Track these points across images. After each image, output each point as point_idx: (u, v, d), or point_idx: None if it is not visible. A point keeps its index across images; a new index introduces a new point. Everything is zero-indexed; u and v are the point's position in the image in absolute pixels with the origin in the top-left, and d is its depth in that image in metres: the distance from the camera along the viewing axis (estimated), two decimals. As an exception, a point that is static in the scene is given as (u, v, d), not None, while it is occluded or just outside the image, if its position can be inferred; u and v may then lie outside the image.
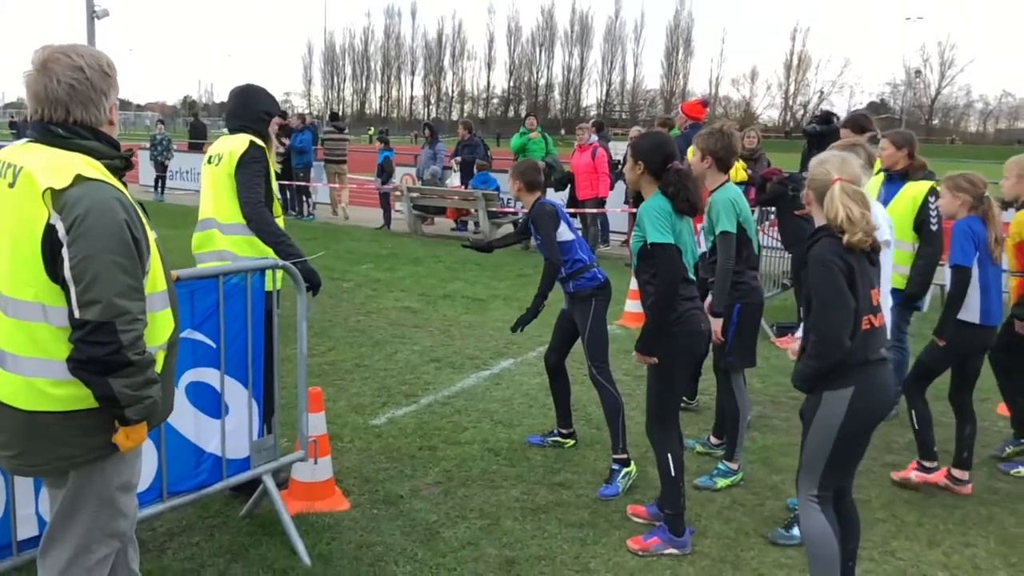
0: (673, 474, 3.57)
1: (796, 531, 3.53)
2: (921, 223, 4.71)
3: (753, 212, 5.98)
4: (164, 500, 3.12)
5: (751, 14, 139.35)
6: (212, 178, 3.84)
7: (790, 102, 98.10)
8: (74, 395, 2.22)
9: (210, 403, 3.26)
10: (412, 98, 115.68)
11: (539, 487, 4.19)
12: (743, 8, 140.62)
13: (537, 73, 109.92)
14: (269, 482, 3.51)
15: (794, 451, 4.71)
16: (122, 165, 2.36)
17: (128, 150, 2.42)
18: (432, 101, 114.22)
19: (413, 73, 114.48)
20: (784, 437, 4.98)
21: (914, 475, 4.28)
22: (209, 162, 3.89)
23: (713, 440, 4.73)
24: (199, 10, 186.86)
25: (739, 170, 7.32)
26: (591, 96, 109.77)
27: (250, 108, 3.89)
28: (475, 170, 13.87)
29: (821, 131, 6.74)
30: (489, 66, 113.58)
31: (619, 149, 15.55)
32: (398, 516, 3.82)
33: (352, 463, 4.38)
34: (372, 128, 75.64)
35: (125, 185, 2.36)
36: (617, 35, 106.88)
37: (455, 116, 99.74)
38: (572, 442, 4.75)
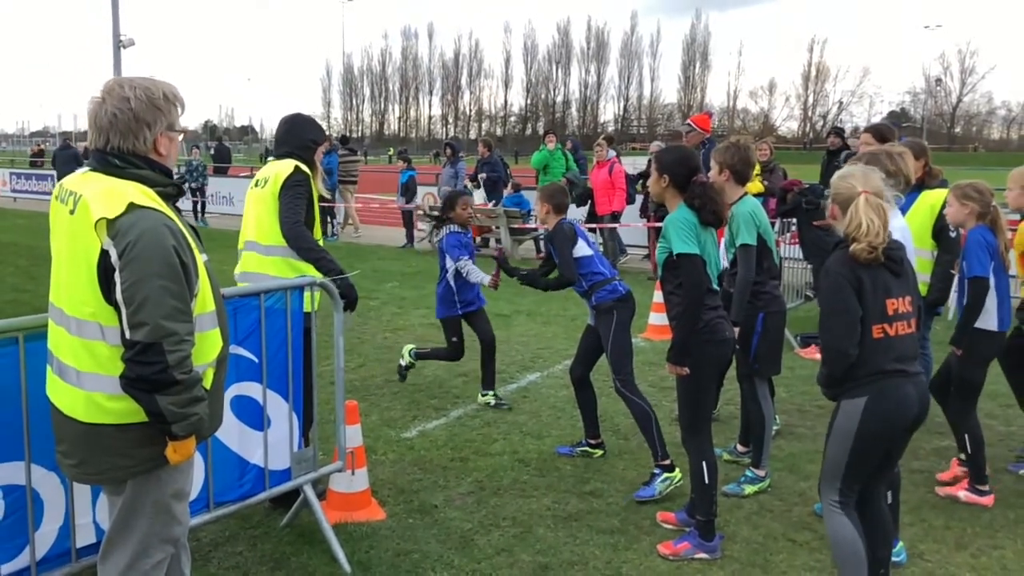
0: (707, 481, 3.65)
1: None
2: (940, 230, 4.76)
3: (773, 224, 6.06)
4: (210, 510, 3.25)
5: (768, 26, 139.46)
6: (256, 200, 4.00)
7: (809, 113, 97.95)
8: (128, 409, 2.36)
9: (253, 416, 3.40)
10: (430, 118, 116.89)
11: (569, 496, 4.27)
12: (760, 20, 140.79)
13: (554, 90, 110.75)
14: (309, 492, 3.64)
15: (820, 458, 4.77)
16: (174, 192, 2.50)
17: (180, 177, 2.57)
18: (450, 120, 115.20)
19: (431, 93, 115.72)
20: (810, 444, 5.03)
21: (963, 495, 4.24)
22: (256, 185, 4.04)
23: (740, 448, 4.79)
24: (219, 35, 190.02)
25: (756, 182, 7.41)
26: (608, 112, 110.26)
27: (297, 136, 4.07)
28: (507, 190, 14.02)
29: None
30: (506, 84, 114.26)
31: (639, 163, 15.67)
32: (433, 525, 3.93)
33: (386, 475, 4.49)
34: (392, 149, 76.32)
35: (178, 211, 2.51)
36: (633, 50, 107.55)
37: (473, 135, 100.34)
38: (600, 452, 4.83)
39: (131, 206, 2.30)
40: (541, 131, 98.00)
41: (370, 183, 21.42)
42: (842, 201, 3.04)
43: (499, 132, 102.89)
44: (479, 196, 14.52)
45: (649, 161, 10.57)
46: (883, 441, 2.99)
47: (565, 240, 4.65)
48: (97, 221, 2.26)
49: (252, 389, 3.37)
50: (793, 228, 9.01)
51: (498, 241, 13.92)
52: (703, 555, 3.62)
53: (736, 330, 4.20)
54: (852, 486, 3.03)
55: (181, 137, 2.57)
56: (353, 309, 3.94)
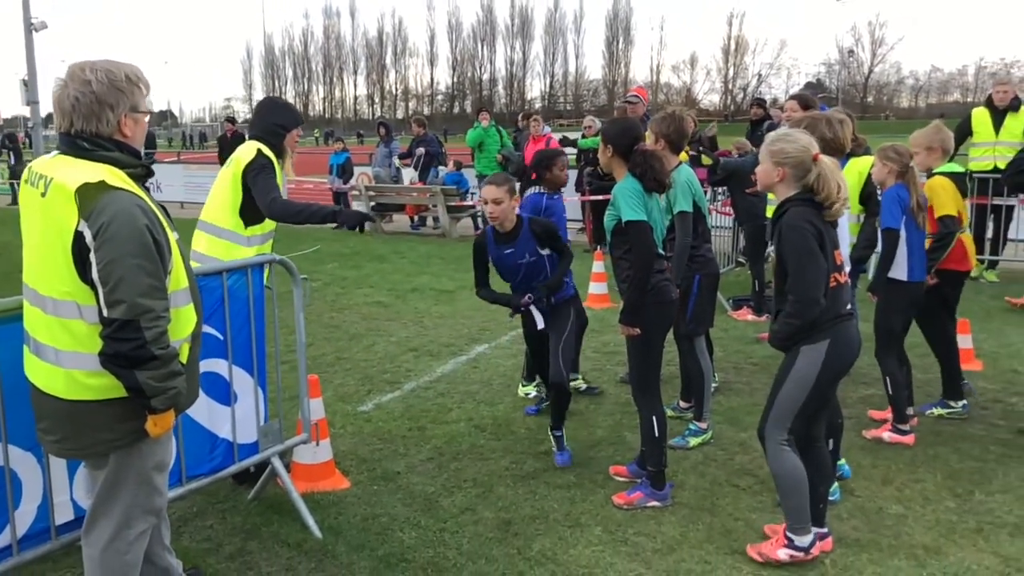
0: (657, 434, 3.88)
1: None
2: (868, 196, 5.10)
3: (705, 192, 6.33)
4: (183, 484, 3.33)
5: (688, 1, 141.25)
6: (218, 179, 4.07)
7: (730, 86, 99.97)
8: (108, 385, 2.43)
9: (220, 391, 3.47)
10: (356, 98, 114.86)
11: (526, 457, 4.47)
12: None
13: (480, 68, 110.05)
14: (277, 463, 3.74)
15: (758, 410, 5.04)
16: (143, 173, 2.56)
17: (150, 159, 2.62)
18: (376, 100, 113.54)
19: (355, 72, 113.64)
20: (747, 399, 5.35)
21: (887, 435, 4.60)
22: (224, 165, 4.10)
23: (682, 404, 5.06)
24: (134, 18, 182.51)
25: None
26: (535, 89, 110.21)
27: (265, 120, 4.14)
28: (448, 167, 14.05)
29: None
30: (432, 63, 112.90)
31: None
32: (397, 490, 4.07)
33: (347, 446, 4.61)
34: (317, 130, 74.98)
35: (147, 191, 2.57)
36: (557, 27, 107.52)
37: (400, 114, 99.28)
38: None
39: (103, 187, 2.35)
40: (469, 109, 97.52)
41: (298, 165, 21.05)
42: (796, 164, 3.19)
43: (427, 111, 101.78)
44: (409, 175, 14.54)
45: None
46: (837, 379, 3.29)
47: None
48: (73, 199, 2.31)
49: (219, 365, 3.44)
50: (721, 197, 9.38)
51: (436, 220, 13.99)
52: (655, 503, 3.87)
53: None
54: (799, 425, 3.30)
55: (147, 119, 2.62)
56: (361, 228, 4.17)
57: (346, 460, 4.41)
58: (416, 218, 14.40)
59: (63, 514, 2.92)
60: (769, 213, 5.70)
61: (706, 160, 7.00)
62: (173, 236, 2.55)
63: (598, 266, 8.43)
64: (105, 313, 2.32)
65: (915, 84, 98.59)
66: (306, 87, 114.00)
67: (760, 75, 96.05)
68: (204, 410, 3.39)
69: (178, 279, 2.54)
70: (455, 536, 3.62)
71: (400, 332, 7.19)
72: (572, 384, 5.35)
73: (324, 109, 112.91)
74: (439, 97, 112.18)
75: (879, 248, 4.67)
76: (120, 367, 2.34)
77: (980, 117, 8.88)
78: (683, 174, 4.56)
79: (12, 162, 22.36)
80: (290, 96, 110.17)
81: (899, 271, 4.58)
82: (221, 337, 3.45)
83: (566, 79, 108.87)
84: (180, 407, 2.56)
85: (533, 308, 4.43)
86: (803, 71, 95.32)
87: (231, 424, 3.52)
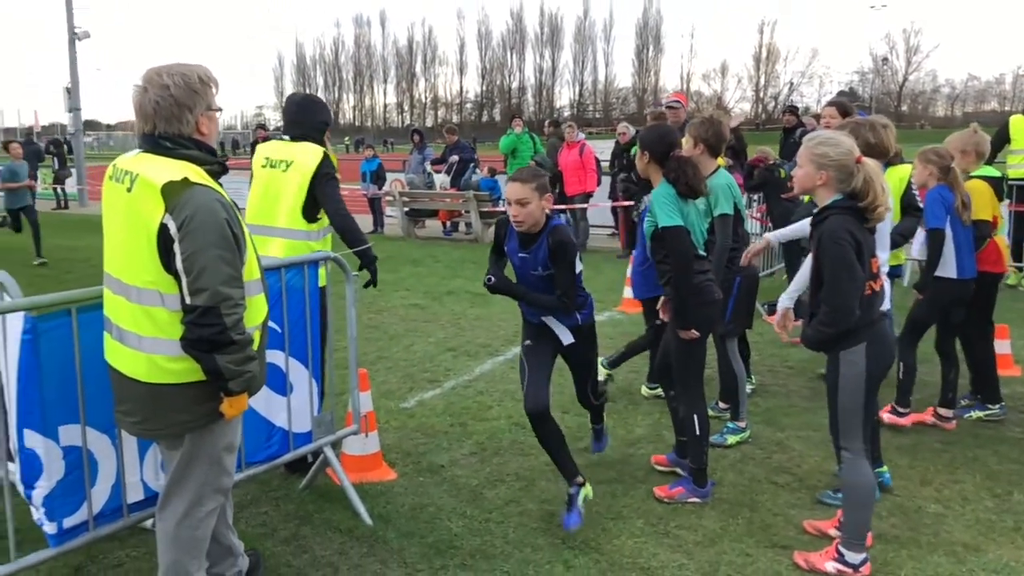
0: (699, 432, 3.96)
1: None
2: (908, 204, 5.13)
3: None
4: (242, 470, 3.47)
5: (719, 9, 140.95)
6: (279, 183, 4.08)
7: (761, 94, 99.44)
8: (187, 369, 2.58)
9: (277, 381, 3.62)
10: (386, 106, 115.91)
11: (567, 453, 4.56)
12: (710, 3, 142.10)
13: (509, 76, 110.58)
14: (329, 452, 3.88)
15: (794, 411, 5.17)
16: (219, 169, 2.71)
17: (225, 156, 2.77)
18: (405, 108, 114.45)
19: (385, 81, 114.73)
20: (784, 400, 5.41)
21: (886, 417, 4.79)
22: (271, 166, 4.13)
23: (721, 405, 5.13)
24: (164, 28, 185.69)
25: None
26: (564, 97, 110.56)
27: (311, 118, 4.21)
28: (482, 172, 14.23)
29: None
30: (461, 71, 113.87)
31: (600, 147, 15.97)
32: (442, 482, 4.19)
33: (391, 440, 4.74)
34: (348, 137, 75.76)
35: (221, 186, 2.72)
36: (587, 35, 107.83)
37: (429, 122, 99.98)
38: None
39: (186, 181, 2.51)
40: (498, 117, 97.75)
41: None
42: (839, 167, 3.18)
43: (455, 119, 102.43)
44: (441, 181, 14.73)
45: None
46: (881, 377, 3.30)
47: (574, 250, 3.62)
48: (163, 186, 2.46)
49: (276, 357, 3.59)
50: (756, 203, 9.42)
51: (468, 225, 14.15)
52: (696, 499, 3.94)
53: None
54: (868, 429, 3.31)
55: (219, 114, 2.78)
56: (375, 279, 4.30)
57: (391, 453, 4.54)
58: (449, 223, 14.58)
59: (134, 494, 3.07)
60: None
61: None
62: (246, 229, 2.71)
63: (631, 271, 8.49)
64: (188, 300, 2.47)
65: (951, 92, 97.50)
66: (337, 95, 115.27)
67: (792, 83, 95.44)
68: (262, 399, 3.53)
69: (251, 270, 2.69)
70: (500, 526, 3.73)
71: (438, 333, 7.33)
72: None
73: (354, 117, 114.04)
74: (468, 105, 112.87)
75: (911, 242, 4.76)
76: (201, 351, 2.49)
77: (1018, 124, 8.84)
78: (723, 177, 4.64)
79: (56, 167, 22.93)
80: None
81: (948, 269, 4.66)
82: (279, 330, 3.60)
83: (595, 87, 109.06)
84: (253, 390, 2.70)
85: (555, 321, 3.76)
86: (835, 79, 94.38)
87: (287, 413, 3.66)
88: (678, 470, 4.22)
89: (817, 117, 10.48)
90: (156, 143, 2.60)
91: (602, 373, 5.60)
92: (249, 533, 3.63)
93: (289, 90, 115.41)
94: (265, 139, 17.77)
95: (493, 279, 3.67)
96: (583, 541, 3.56)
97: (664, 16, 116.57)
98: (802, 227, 4.55)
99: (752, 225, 9.23)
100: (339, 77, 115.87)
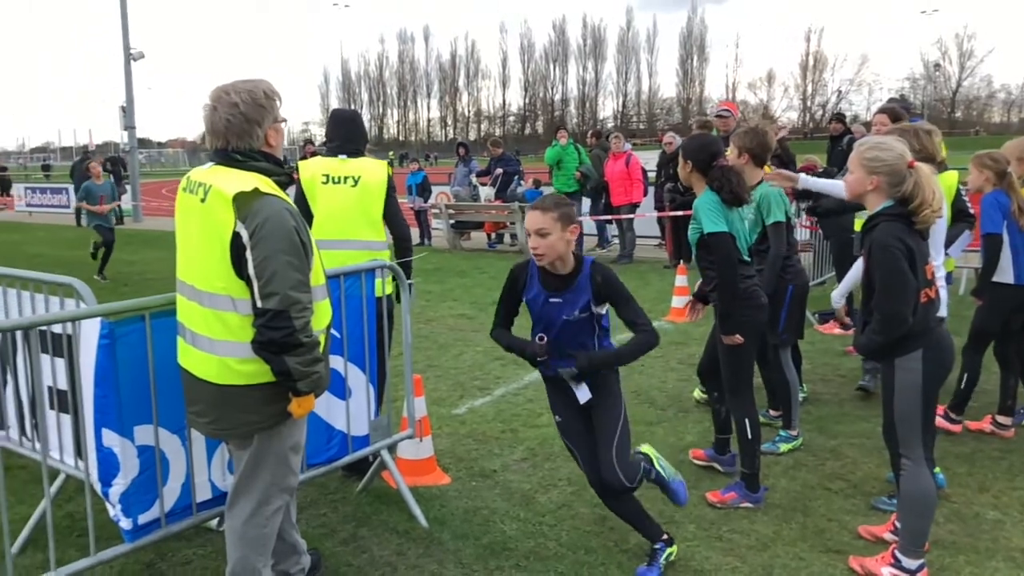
0: (750, 436, 3.97)
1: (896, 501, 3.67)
2: (958, 211, 5.08)
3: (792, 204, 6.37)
4: (304, 471, 3.58)
5: (764, 17, 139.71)
6: (348, 198, 4.24)
7: (808, 103, 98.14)
8: (256, 371, 2.70)
9: (336, 386, 3.73)
10: (429, 120, 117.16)
11: (618, 459, 4.60)
12: (755, 12, 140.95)
13: (552, 88, 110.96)
14: (387, 456, 3.98)
15: (848, 419, 5.13)
16: (286, 180, 2.84)
17: (291, 167, 2.90)
18: (449, 122, 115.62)
19: (429, 95, 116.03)
20: (836, 409, 5.37)
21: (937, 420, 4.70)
22: (334, 182, 4.25)
23: (772, 413, 5.11)
24: (213, 45, 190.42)
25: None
26: (607, 108, 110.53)
27: (363, 134, 4.46)
28: (527, 183, 14.35)
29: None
30: (504, 84, 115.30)
31: (644, 158, 15.97)
32: (495, 486, 4.26)
33: (444, 446, 4.83)
34: (392, 152, 76.73)
35: (288, 196, 2.84)
36: (630, 46, 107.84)
37: (472, 136, 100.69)
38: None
39: (257, 192, 2.63)
40: (541, 130, 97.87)
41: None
42: (890, 172, 3.16)
43: (498, 132, 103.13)
44: (486, 193, 14.88)
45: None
46: (940, 384, 3.24)
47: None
48: (234, 197, 2.59)
49: (335, 362, 3.70)
50: (805, 211, 9.34)
51: (513, 237, 14.26)
52: (748, 504, 3.95)
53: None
54: (928, 437, 3.26)
55: (284, 125, 2.90)
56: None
57: (444, 458, 4.63)
58: (494, 235, 14.70)
59: (203, 493, 3.20)
60: (857, 227, 5.73)
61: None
62: (312, 238, 2.82)
63: (681, 280, 8.51)
64: (259, 304, 2.58)
65: (1007, 98, 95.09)
66: (381, 110, 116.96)
67: (840, 91, 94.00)
68: (323, 403, 3.64)
69: (317, 276, 2.80)
70: (554, 529, 3.78)
71: (486, 342, 7.40)
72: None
73: (398, 132, 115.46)
74: (511, 118, 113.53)
75: (976, 267, 4.70)
76: (272, 353, 2.60)
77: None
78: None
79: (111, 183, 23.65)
80: (365, 119, 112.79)
81: (1005, 275, 4.62)
82: (338, 335, 3.71)
83: (639, 98, 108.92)
84: (319, 391, 2.81)
85: (568, 372, 3.34)
86: (885, 87, 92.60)
87: (346, 417, 3.77)
88: (716, 465, 4.35)
89: (867, 125, 10.38)
90: (228, 157, 2.73)
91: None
92: (309, 534, 3.74)
93: (335, 106, 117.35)
94: (312, 154, 18.18)
95: (542, 338, 3.28)
96: (636, 545, 3.60)
97: (708, 25, 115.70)
98: (836, 185, 4.53)
99: (802, 233, 9.16)
100: (383, 92, 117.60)
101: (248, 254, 2.59)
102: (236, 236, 2.60)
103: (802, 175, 4.72)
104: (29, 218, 24.57)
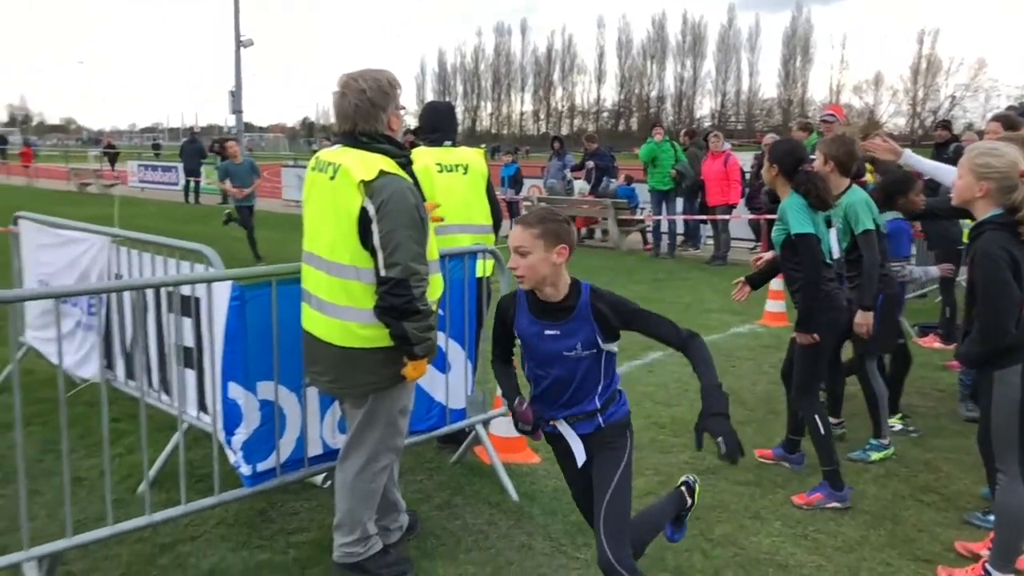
0: (822, 432, 4.00)
1: (991, 517, 3.57)
2: None
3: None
4: (406, 437, 3.78)
5: (874, 18, 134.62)
6: (460, 185, 4.43)
7: (917, 108, 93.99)
8: (376, 335, 2.90)
9: (437, 359, 3.90)
10: (522, 114, 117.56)
11: (705, 453, 4.57)
12: (865, 12, 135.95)
13: (648, 85, 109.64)
14: (481, 430, 4.15)
15: (945, 434, 5.03)
16: (406, 161, 3.03)
17: (407, 150, 3.07)
18: (541, 116, 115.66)
19: (523, 89, 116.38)
20: (933, 422, 5.26)
21: None
22: (448, 171, 4.41)
23: (832, 420, 4.95)
24: (315, 33, 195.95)
25: (870, 173, 7.45)
26: (705, 107, 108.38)
27: (456, 125, 4.73)
28: (619, 180, 14.41)
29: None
30: (599, 80, 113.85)
31: (743, 159, 15.74)
32: (582, 470, 4.37)
33: (533, 428, 4.97)
34: (484, 145, 77.47)
35: (412, 175, 3.02)
36: (731, 44, 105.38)
37: (565, 131, 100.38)
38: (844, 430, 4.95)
39: (381, 172, 2.84)
40: (635, 127, 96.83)
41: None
42: (1000, 178, 3.12)
43: (591, 128, 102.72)
44: (580, 187, 14.96)
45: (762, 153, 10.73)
46: None
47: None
48: (359, 183, 2.80)
49: (438, 337, 3.89)
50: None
51: (605, 232, 14.31)
52: (835, 504, 3.95)
53: (869, 315, 4.39)
54: None
55: (404, 111, 3.09)
56: None
57: (534, 441, 4.76)
58: (584, 230, 14.78)
59: (314, 448, 3.45)
60: (965, 238, 5.55)
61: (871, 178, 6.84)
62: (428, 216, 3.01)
63: (775, 283, 8.39)
64: (383, 273, 2.79)
65: None
66: (475, 103, 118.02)
67: (954, 97, 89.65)
68: (425, 375, 3.84)
69: (432, 251, 3.00)
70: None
71: (575, 333, 7.52)
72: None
73: (491, 125, 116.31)
74: (605, 114, 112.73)
75: None
76: (392, 318, 2.80)
77: None
78: (857, 193, 4.48)
79: (219, 163, 24.79)
80: (459, 112, 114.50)
81: None
82: (441, 312, 3.90)
83: (738, 98, 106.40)
84: (431, 356, 3.02)
85: (566, 426, 2.74)
86: (1004, 93, 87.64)
87: (445, 390, 3.96)
88: (784, 464, 4.43)
89: (980, 134, 9.99)
90: (355, 139, 2.94)
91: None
92: (407, 497, 3.91)
93: (430, 98, 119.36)
94: (412, 144, 18.56)
95: (533, 414, 2.69)
96: (721, 535, 3.66)
97: (814, 25, 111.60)
98: (944, 171, 4.42)
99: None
100: (478, 85, 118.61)
101: (374, 227, 2.79)
102: (363, 211, 2.81)
103: (907, 151, 4.57)
104: (141, 193, 25.99)
